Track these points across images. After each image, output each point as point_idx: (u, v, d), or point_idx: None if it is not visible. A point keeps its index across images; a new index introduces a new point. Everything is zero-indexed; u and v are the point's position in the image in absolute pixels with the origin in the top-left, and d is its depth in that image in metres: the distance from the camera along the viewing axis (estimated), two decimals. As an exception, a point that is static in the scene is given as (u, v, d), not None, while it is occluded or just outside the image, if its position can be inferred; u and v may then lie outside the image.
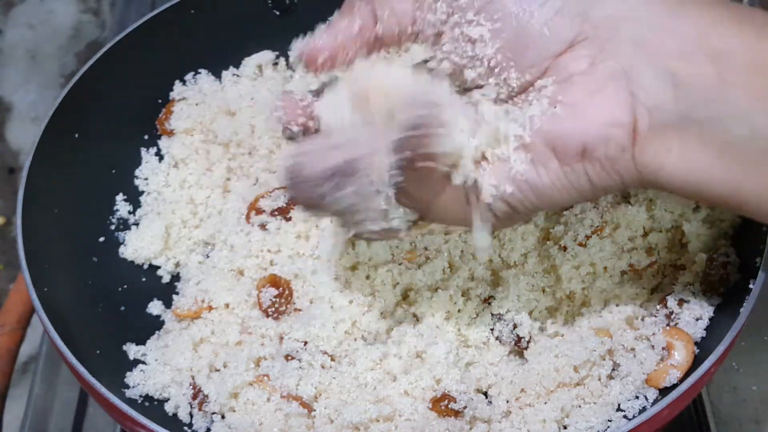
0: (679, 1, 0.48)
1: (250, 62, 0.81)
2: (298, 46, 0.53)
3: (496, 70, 0.50)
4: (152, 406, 0.64)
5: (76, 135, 0.74)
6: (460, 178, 0.50)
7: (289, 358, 0.64)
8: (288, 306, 0.67)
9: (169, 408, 0.64)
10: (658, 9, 0.48)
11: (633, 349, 0.61)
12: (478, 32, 0.49)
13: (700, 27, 0.47)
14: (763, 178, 0.47)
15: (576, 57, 0.49)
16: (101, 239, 0.74)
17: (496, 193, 0.50)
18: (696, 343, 0.60)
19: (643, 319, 0.63)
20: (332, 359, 0.64)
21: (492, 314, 0.65)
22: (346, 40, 0.52)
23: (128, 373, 0.65)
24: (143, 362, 0.66)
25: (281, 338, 0.66)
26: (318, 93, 0.54)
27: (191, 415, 0.64)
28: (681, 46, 0.47)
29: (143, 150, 0.79)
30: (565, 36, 0.49)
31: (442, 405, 0.59)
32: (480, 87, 0.51)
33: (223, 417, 0.63)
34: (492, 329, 0.64)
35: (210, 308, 0.68)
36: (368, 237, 0.54)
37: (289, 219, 0.71)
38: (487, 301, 0.65)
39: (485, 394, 0.62)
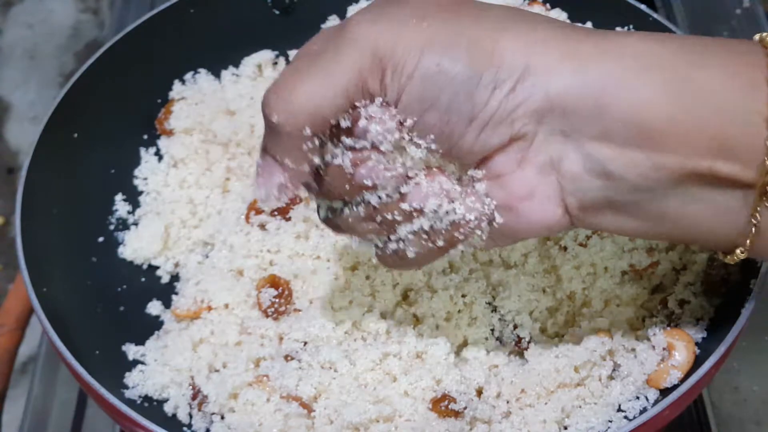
0: (600, 77, 0.47)
1: (250, 62, 0.81)
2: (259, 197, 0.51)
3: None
4: (151, 406, 0.64)
5: (75, 135, 0.74)
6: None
7: (289, 358, 0.64)
8: (288, 306, 0.67)
9: (168, 408, 0.64)
10: (579, 93, 0.47)
11: (633, 350, 0.61)
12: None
13: (629, 106, 0.46)
14: (695, 235, 0.50)
15: (505, 157, 0.49)
16: (100, 239, 0.74)
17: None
18: (697, 344, 0.60)
19: (643, 320, 0.63)
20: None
21: (492, 314, 0.65)
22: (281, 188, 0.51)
23: (127, 374, 0.65)
24: (142, 362, 0.66)
25: (281, 338, 0.66)
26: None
27: (191, 416, 0.64)
28: (605, 133, 0.47)
29: (142, 150, 0.79)
30: (496, 141, 0.49)
31: (443, 405, 0.59)
32: None
33: (222, 417, 0.63)
34: (492, 330, 0.64)
35: (209, 308, 0.68)
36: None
37: (289, 219, 0.71)
38: (488, 301, 0.65)
39: (485, 394, 0.62)
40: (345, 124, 0.49)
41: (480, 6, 0.50)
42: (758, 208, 0.46)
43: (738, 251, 0.49)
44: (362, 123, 0.48)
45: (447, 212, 0.51)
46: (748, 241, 0.48)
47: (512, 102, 0.47)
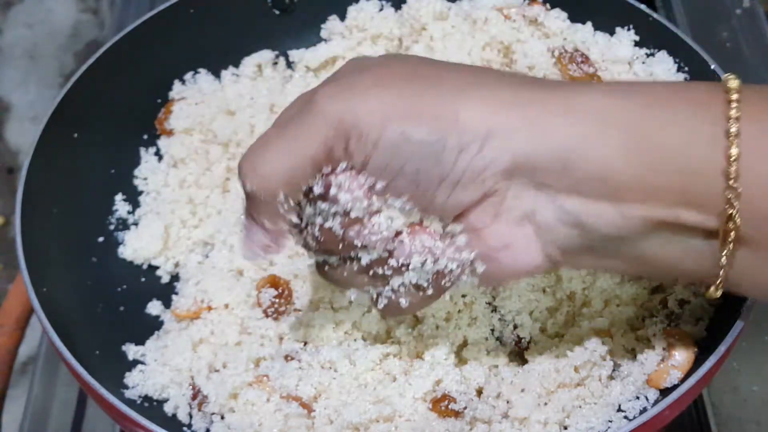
0: (566, 126, 0.48)
1: (250, 62, 0.81)
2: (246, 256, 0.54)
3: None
4: (151, 406, 0.64)
5: (75, 135, 0.74)
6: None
7: (289, 358, 0.64)
8: (288, 306, 0.67)
9: (168, 408, 0.64)
10: (544, 154, 0.48)
11: (633, 350, 0.61)
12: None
13: (594, 164, 0.48)
14: (672, 272, 0.52)
15: (481, 211, 0.50)
16: (100, 239, 0.74)
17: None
18: (697, 344, 0.60)
19: (643, 320, 0.63)
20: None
21: (492, 314, 0.65)
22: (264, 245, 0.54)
23: (127, 374, 0.65)
24: (142, 362, 0.66)
25: (281, 338, 0.66)
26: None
27: (191, 416, 0.64)
28: (574, 186, 0.48)
29: (142, 150, 0.79)
30: (468, 198, 0.50)
31: (443, 405, 0.59)
32: None
33: (222, 417, 0.63)
34: (492, 329, 0.64)
35: (209, 308, 0.68)
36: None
37: (289, 219, 0.71)
38: (488, 301, 0.65)
39: (485, 394, 0.62)
40: (318, 190, 0.51)
41: (441, 70, 0.51)
42: (724, 252, 0.48)
43: (712, 289, 0.51)
44: (333, 191, 0.50)
45: (432, 264, 0.52)
46: (719, 281, 0.50)
47: (480, 162, 0.49)
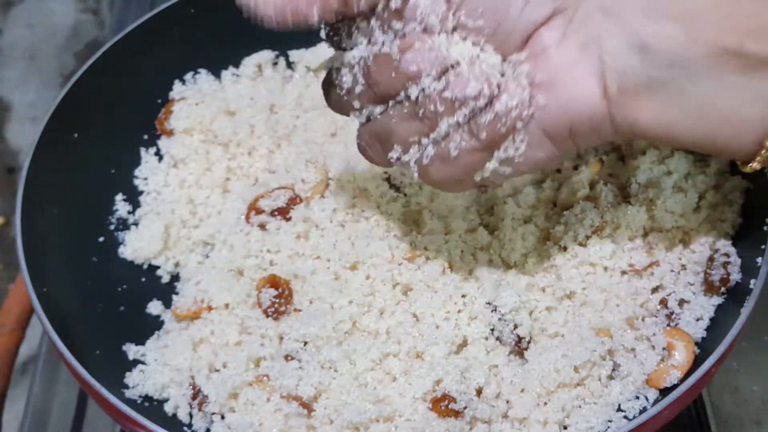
0: None
1: (250, 62, 0.81)
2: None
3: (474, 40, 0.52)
4: (152, 406, 0.64)
5: (76, 135, 0.74)
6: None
7: (289, 358, 0.64)
8: (288, 306, 0.67)
9: (168, 408, 0.64)
10: None
11: (633, 350, 0.61)
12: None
13: None
14: (723, 131, 0.52)
15: (550, 29, 0.51)
16: (101, 239, 0.74)
17: (494, 172, 0.55)
18: (696, 344, 0.60)
19: (643, 320, 0.63)
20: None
21: (492, 314, 0.65)
22: None
23: (127, 374, 0.65)
24: (143, 362, 0.66)
25: (281, 338, 0.66)
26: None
27: (191, 416, 0.64)
28: (647, 8, 0.49)
29: (143, 150, 0.79)
30: (541, 13, 0.51)
31: (443, 405, 0.59)
32: None
33: (222, 417, 0.63)
34: (492, 329, 0.64)
35: (209, 308, 0.68)
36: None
37: (289, 219, 0.71)
38: (488, 301, 0.65)
39: (485, 394, 0.62)
40: (395, 4, 0.50)
41: None
42: None
43: (756, 162, 0.52)
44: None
45: (489, 99, 0.51)
46: (764, 150, 0.51)
47: None
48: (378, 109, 0.54)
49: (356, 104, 0.55)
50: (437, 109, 0.52)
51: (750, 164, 0.53)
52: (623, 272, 0.66)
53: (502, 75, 0.52)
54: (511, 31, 0.51)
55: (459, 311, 0.65)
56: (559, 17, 0.51)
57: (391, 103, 0.54)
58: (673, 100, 0.51)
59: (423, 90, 0.51)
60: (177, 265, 0.74)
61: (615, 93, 0.51)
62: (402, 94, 0.52)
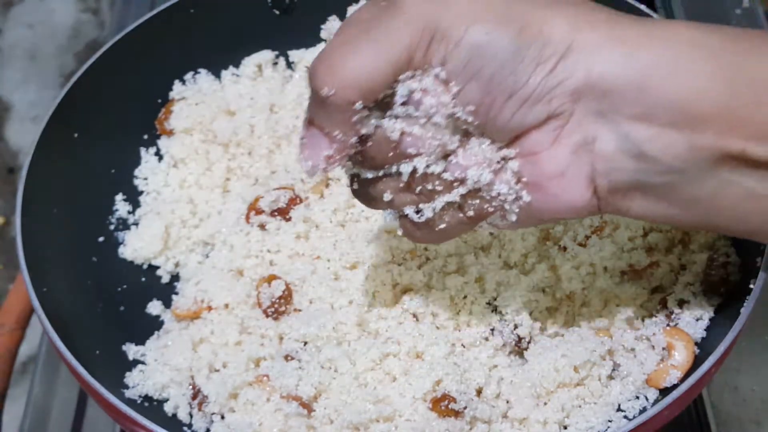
0: (637, 48, 0.48)
1: (250, 62, 0.81)
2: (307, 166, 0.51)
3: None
4: (152, 406, 0.64)
5: (76, 135, 0.74)
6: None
7: (289, 358, 0.64)
8: (288, 306, 0.67)
9: (168, 408, 0.64)
10: (623, 74, 0.47)
11: (633, 350, 0.61)
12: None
13: (677, 91, 0.47)
14: (718, 219, 0.51)
15: (540, 135, 0.50)
16: (100, 239, 0.74)
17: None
18: (696, 344, 0.60)
19: (643, 320, 0.63)
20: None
21: (492, 314, 0.65)
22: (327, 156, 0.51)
23: (127, 374, 0.65)
24: (142, 362, 0.66)
25: (281, 338, 0.66)
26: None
27: (191, 416, 0.64)
28: (645, 114, 0.47)
29: (143, 150, 0.79)
30: (535, 117, 0.49)
31: (443, 405, 0.59)
32: None
33: (222, 417, 0.63)
34: (492, 329, 0.64)
35: (209, 308, 0.68)
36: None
37: (289, 219, 0.71)
38: (488, 301, 0.65)
39: (485, 394, 0.62)
40: (402, 96, 0.49)
41: None
42: None
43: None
44: (417, 95, 0.49)
45: (485, 183, 0.51)
46: None
47: (552, 80, 0.48)
48: (369, 174, 0.53)
49: (345, 169, 0.54)
50: (435, 188, 0.52)
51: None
52: (623, 272, 0.66)
53: (498, 162, 0.52)
54: (498, 131, 0.50)
55: (459, 311, 0.65)
56: (553, 121, 0.49)
57: (382, 172, 0.53)
58: (668, 197, 0.50)
59: (416, 168, 0.51)
60: (177, 265, 0.74)
61: (605, 193, 0.50)
62: (395, 168, 0.52)
